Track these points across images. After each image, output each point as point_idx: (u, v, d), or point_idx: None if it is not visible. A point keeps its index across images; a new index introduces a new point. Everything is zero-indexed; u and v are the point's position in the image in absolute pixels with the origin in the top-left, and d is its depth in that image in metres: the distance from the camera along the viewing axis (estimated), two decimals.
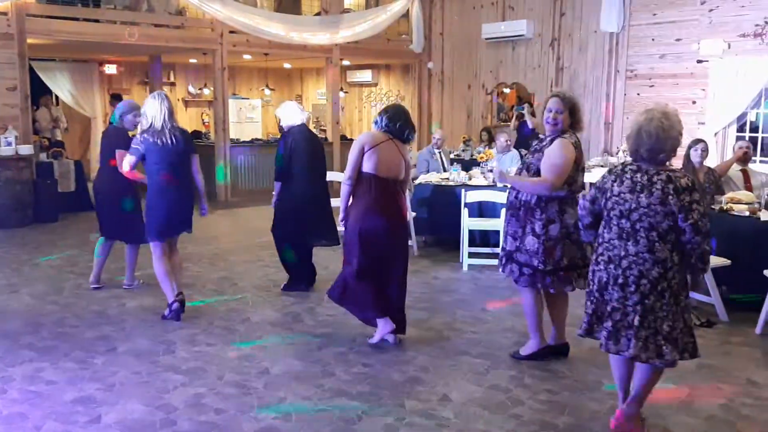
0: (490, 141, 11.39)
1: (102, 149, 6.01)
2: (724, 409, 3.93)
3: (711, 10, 9.98)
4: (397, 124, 4.76)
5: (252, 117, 16.16)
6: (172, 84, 15.81)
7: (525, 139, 11.68)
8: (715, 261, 5.38)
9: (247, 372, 4.40)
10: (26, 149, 9.43)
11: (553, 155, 4.24)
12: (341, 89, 14.14)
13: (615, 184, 3.47)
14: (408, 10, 13.43)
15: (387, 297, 4.78)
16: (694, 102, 10.24)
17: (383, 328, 4.79)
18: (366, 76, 15.40)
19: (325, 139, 13.27)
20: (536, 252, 4.31)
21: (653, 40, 10.69)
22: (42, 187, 9.75)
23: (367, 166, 4.66)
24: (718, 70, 9.91)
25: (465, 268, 7.13)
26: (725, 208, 5.84)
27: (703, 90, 10.14)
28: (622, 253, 3.39)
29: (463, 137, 12.43)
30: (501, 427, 3.70)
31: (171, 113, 5.23)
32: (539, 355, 4.60)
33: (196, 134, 13.52)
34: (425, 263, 7.40)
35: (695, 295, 5.66)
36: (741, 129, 10.08)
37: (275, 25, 11.73)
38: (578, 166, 4.30)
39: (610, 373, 3.76)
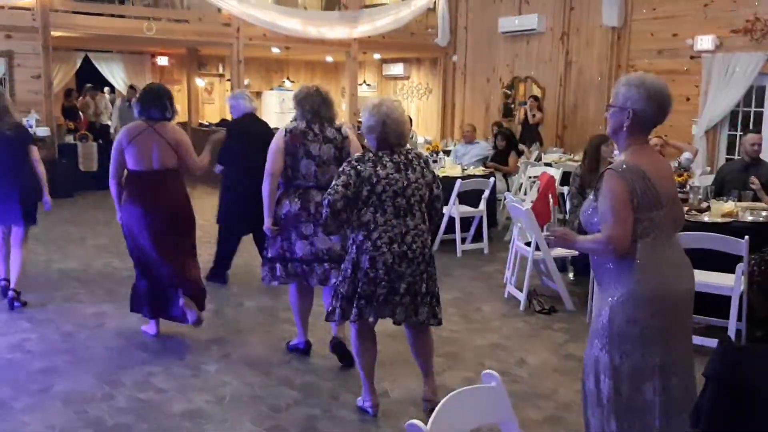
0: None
1: None
2: None
3: (706, 5, 9.68)
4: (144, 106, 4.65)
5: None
6: (221, 76, 16.76)
7: (528, 132, 11.87)
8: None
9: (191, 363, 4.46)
10: (44, 131, 10.47)
11: None
12: (364, 82, 14.57)
13: (379, 168, 3.60)
14: (435, 3, 13.64)
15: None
16: (688, 99, 9.94)
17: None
18: (398, 69, 15.74)
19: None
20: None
21: (652, 35, 10.45)
22: (61, 166, 10.83)
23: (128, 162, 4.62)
24: (711, 65, 9.60)
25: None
26: None
27: (697, 87, 9.85)
28: (404, 230, 3.59)
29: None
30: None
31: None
32: (302, 351, 4.63)
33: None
34: None
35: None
36: (733, 127, 9.73)
37: (292, 20, 12.32)
38: (291, 151, 4.22)
39: None
